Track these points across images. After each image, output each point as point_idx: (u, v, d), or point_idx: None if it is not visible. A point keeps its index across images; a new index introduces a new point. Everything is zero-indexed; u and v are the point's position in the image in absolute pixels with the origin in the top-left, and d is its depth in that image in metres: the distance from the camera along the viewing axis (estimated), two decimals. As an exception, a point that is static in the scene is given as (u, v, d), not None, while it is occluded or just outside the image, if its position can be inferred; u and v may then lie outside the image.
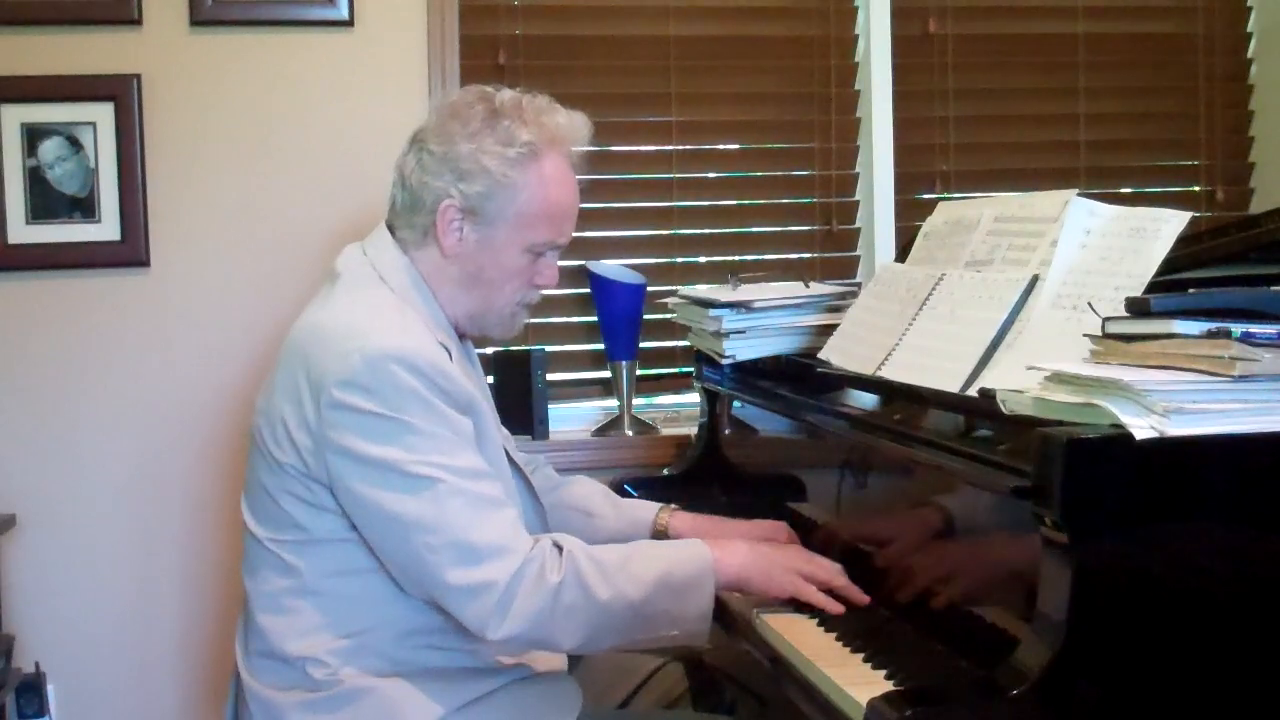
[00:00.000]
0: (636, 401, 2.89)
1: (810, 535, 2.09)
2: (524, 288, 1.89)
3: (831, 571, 1.82)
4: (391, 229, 1.89)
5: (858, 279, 2.98)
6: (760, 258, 3.01)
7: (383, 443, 1.67)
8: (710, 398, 2.56)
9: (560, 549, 1.70)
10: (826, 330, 2.17)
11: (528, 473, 1.96)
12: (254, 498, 1.82)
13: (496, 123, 1.82)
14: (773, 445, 2.38)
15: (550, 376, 2.84)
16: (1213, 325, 1.38)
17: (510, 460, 1.90)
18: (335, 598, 1.75)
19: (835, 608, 1.77)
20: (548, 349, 2.86)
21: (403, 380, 1.68)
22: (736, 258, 2.99)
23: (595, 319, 2.88)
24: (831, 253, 3.04)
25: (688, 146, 2.96)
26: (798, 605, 1.82)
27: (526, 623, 1.66)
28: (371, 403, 1.67)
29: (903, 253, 2.22)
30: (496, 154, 1.80)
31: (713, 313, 2.33)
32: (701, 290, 2.56)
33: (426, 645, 1.76)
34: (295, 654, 1.74)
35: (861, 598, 1.79)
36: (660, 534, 2.04)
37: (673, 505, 2.12)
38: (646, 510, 2.09)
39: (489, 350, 2.78)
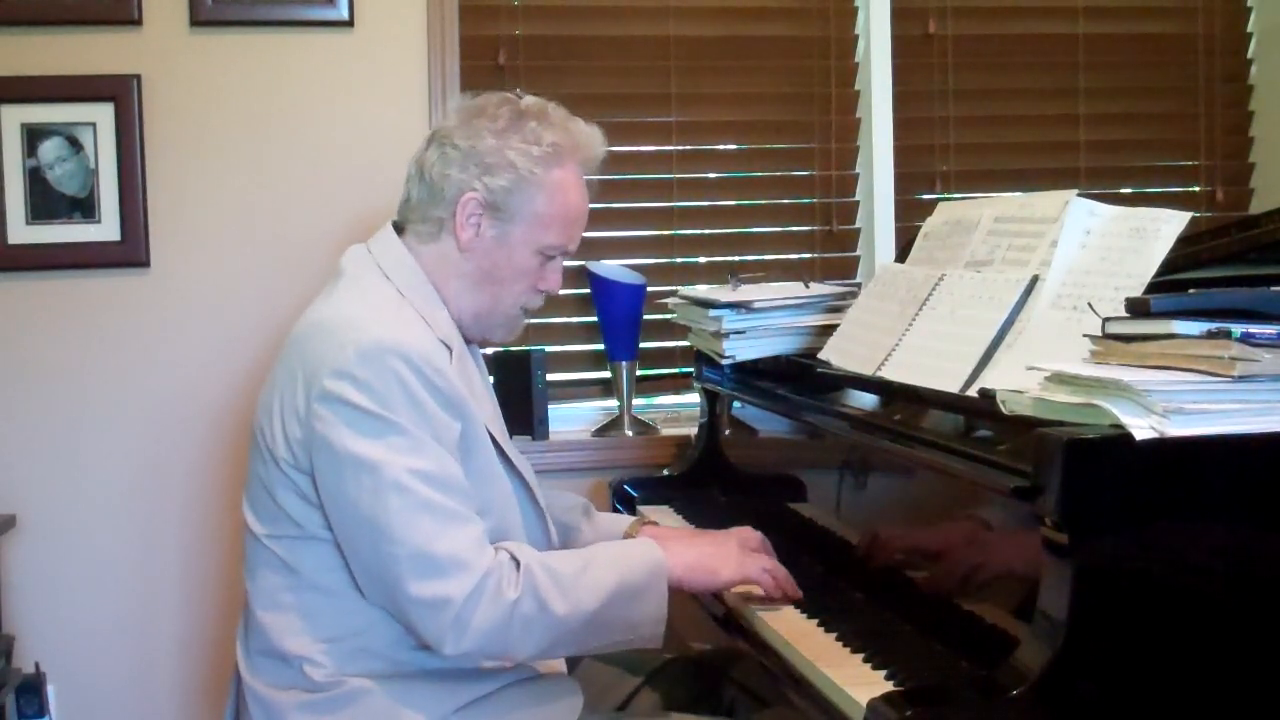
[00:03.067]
0: (636, 401, 2.89)
1: (809, 533, 2.09)
2: (529, 290, 1.91)
3: (770, 565, 1.86)
4: (399, 229, 1.90)
5: (858, 279, 2.98)
6: (760, 258, 3.02)
7: (364, 439, 1.66)
8: (710, 398, 2.56)
9: (518, 563, 1.69)
10: (826, 330, 2.17)
11: (530, 481, 1.95)
12: (253, 495, 1.82)
13: (523, 123, 1.85)
14: (773, 445, 2.38)
15: (550, 376, 2.84)
16: (1213, 325, 1.38)
17: (511, 465, 1.89)
18: (332, 595, 1.75)
19: (776, 591, 1.83)
20: (548, 349, 2.86)
21: (395, 374, 1.68)
22: (736, 258, 2.99)
23: (595, 319, 2.88)
24: (831, 253, 3.04)
25: (688, 146, 2.96)
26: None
27: (482, 638, 1.65)
28: (360, 395, 1.67)
29: (903, 253, 2.22)
30: (522, 150, 1.83)
31: (713, 313, 2.33)
32: (701, 290, 2.56)
33: (424, 645, 1.76)
34: (294, 652, 1.74)
35: (793, 594, 1.84)
36: None
37: (644, 519, 2.19)
38: (619, 524, 2.12)
39: (489, 350, 2.78)
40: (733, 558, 1.85)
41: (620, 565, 1.76)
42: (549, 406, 2.82)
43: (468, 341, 1.93)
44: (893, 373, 1.85)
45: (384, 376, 1.67)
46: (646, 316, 2.85)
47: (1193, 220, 1.67)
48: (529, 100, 1.89)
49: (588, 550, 1.80)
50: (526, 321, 1.98)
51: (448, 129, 1.88)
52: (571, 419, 2.94)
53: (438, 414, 1.71)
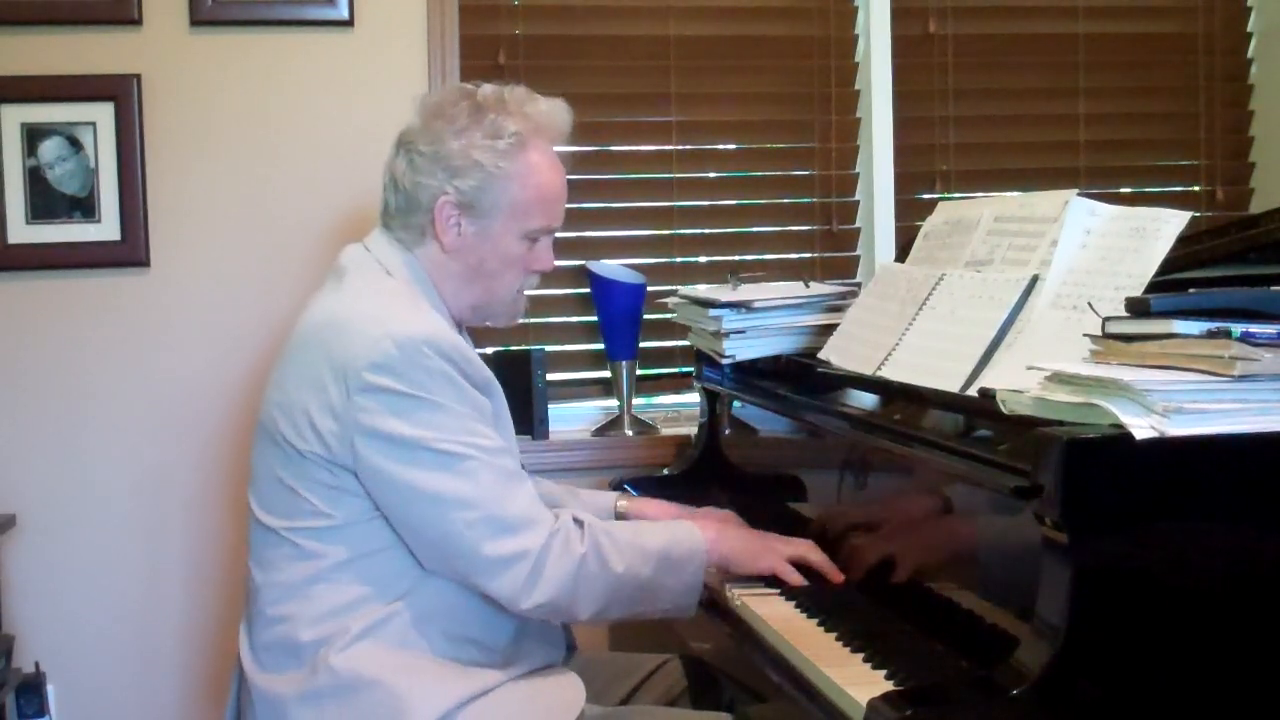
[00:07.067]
0: (636, 401, 2.89)
1: (809, 533, 2.09)
2: (522, 275, 1.95)
3: (806, 548, 1.93)
4: (387, 230, 1.93)
5: (858, 279, 2.98)
6: (760, 258, 3.01)
7: (415, 423, 1.72)
8: (710, 398, 2.56)
9: (580, 523, 1.78)
10: (826, 330, 2.17)
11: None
12: (265, 489, 1.84)
13: (482, 117, 1.87)
14: (773, 445, 2.38)
15: (550, 376, 2.84)
16: (1213, 325, 1.38)
17: None
18: (355, 581, 1.77)
19: (801, 581, 1.89)
20: (548, 349, 2.86)
21: (432, 363, 1.74)
22: (736, 258, 2.99)
23: (595, 319, 2.88)
24: (831, 253, 3.04)
25: (688, 146, 2.96)
26: (784, 592, 1.89)
27: (555, 590, 1.73)
28: (403, 385, 1.72)
29: (903, 253, 2.22)
30: (486, 147, 1.86)
31: (713, 313, 2.33)
32: (701, 290, 2.55)
33: (440, 633, 1.78)
34: (308, 639, 1.76)
35: (836, 576, 1.89)
36: (620, 517, 2.14)
37: (625, 493, 2.27)
38: (605, 498, 2.21)
39: (489, 350, 2.78)
40: (774, 549, 1.93)
41: (665, 535, 1.86)
42: (549, 406, 2.82)
43: (461, 329, 1.96)
44: (893, 372, 1.86)
45: (423, 364, 1.73)
46: (646, 316, 2.85)
47: (1193, 220, 1.67)
48: (486, 90, 1.91)
49: (635, 523, 1.91)
50: (527, 322, 2.00)
51: (411, 133, 1.91)
52: (571, 418, 2.94)
53: (474, 394, 1.78)
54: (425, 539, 1.75)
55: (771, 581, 1.92)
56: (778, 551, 1.92)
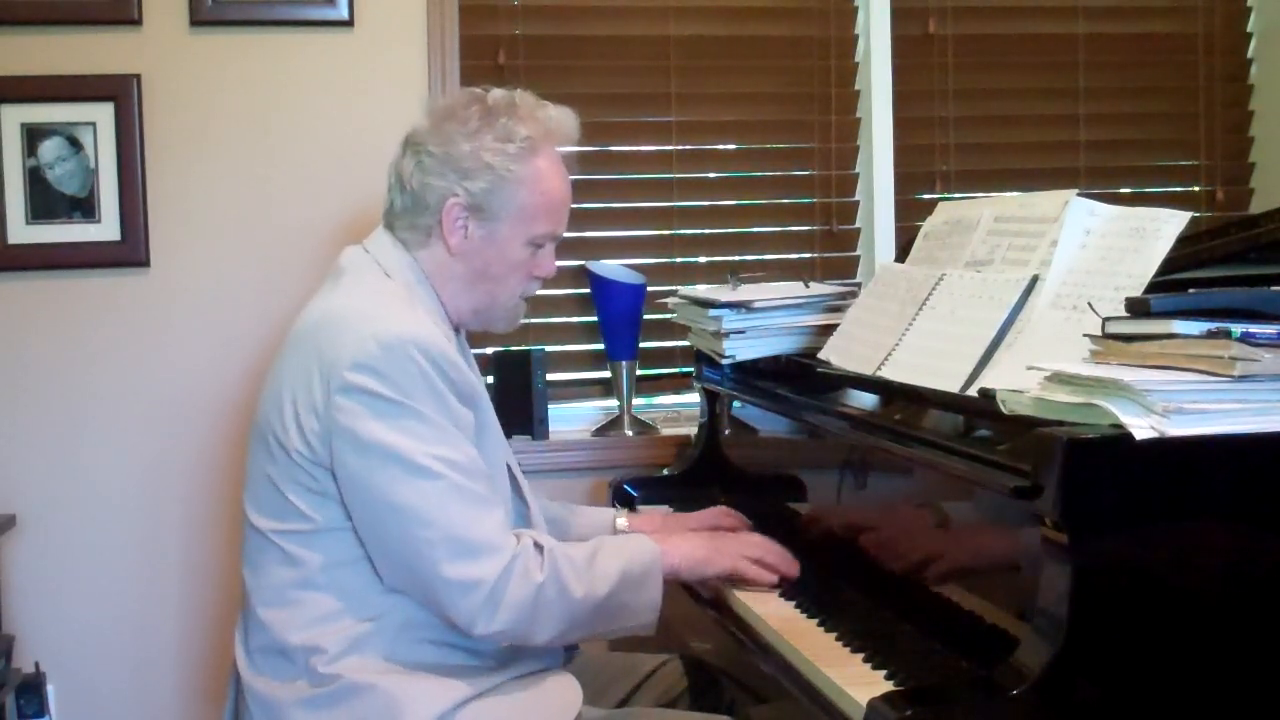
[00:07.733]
0: (636, 401, 2.89)
1: (809, 533, 2.09)
2: (525, 280, 1.94)
3: (764, 548, 1.94)
4: (390, 230, 1.92)
5: (858, 279, 2.98)
6: (760, 258, 3.01)
7: (390, 428, 1.70)
8: (710, 398, 2.56)
9: (540, 548, 1.75)
10: (826, 330, 2.17)
11: (519, 474, 1.97)
12: (257, 490, 1.83)
13: (494, 120, 1.87)
14: (773, 445, 2.38)
15: (550, 376, 2.84)
16: (1213, 325, 1.38)
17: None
18: (338, 589, 1.76)
19: (768, 578, 1.91)
20: (548, 349, 2.86)
21: (416, 366, 1.71)
22: (736, 258, 2.99)
23: (595, 319, 2.88)
24: (831, 253, 3.04)
25: (688, 146, 2.96)
26: (784, 592, 1.91)
27: (511, 618, 1.71)
28: (383, 386, 1.70)
29: (903, 253, 2.22)
30: (497, 150, 1.85)
31: (713, 313, 2.33)
32: (701, 290, 2.56)
33: (427, 640, 1.77)
34: (297, 645, 1.75)
35: (793, 571, 1.93)
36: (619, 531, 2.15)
37: (624, 509, 2.28)
38: (604, 514, 2.21)
39: (489, 350, 2.78)
40: (725, 550, 1.93)
41: (623, 555, 1.82)
42: (549, 406, 2.82)
43: (457, 331, 1.95)
44: (893, 372, 1.86)
45: (405, 367, 1.71)
46: (646, 316, 2.85)
47: (1193, 220, 1.67)
48: (496, 95, 1.91)
49: (594, 541, 1.86)
50: (527, 322, 1.99)
51: (420, 135, 1.90)
52: (571, 419, 2.94)
53: (455, 404, 1.75)
54: (387, 549, 1.73)
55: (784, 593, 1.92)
56: (729, 553, 1.92)
